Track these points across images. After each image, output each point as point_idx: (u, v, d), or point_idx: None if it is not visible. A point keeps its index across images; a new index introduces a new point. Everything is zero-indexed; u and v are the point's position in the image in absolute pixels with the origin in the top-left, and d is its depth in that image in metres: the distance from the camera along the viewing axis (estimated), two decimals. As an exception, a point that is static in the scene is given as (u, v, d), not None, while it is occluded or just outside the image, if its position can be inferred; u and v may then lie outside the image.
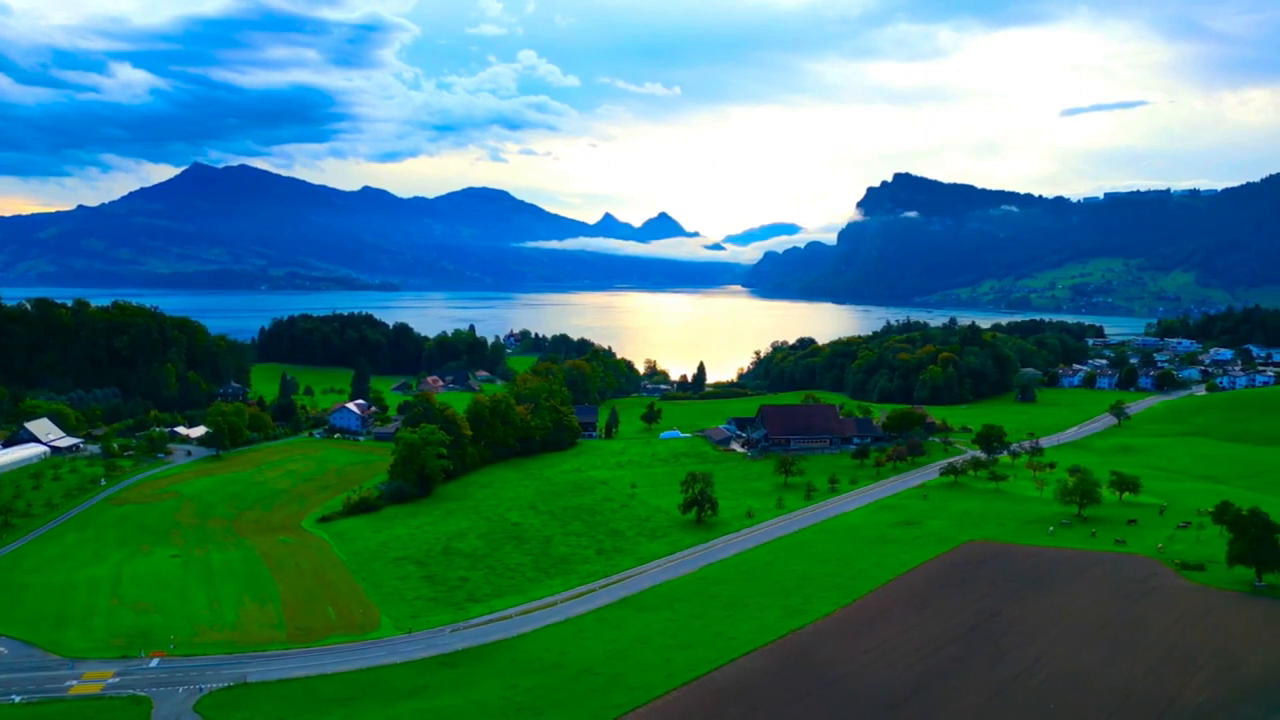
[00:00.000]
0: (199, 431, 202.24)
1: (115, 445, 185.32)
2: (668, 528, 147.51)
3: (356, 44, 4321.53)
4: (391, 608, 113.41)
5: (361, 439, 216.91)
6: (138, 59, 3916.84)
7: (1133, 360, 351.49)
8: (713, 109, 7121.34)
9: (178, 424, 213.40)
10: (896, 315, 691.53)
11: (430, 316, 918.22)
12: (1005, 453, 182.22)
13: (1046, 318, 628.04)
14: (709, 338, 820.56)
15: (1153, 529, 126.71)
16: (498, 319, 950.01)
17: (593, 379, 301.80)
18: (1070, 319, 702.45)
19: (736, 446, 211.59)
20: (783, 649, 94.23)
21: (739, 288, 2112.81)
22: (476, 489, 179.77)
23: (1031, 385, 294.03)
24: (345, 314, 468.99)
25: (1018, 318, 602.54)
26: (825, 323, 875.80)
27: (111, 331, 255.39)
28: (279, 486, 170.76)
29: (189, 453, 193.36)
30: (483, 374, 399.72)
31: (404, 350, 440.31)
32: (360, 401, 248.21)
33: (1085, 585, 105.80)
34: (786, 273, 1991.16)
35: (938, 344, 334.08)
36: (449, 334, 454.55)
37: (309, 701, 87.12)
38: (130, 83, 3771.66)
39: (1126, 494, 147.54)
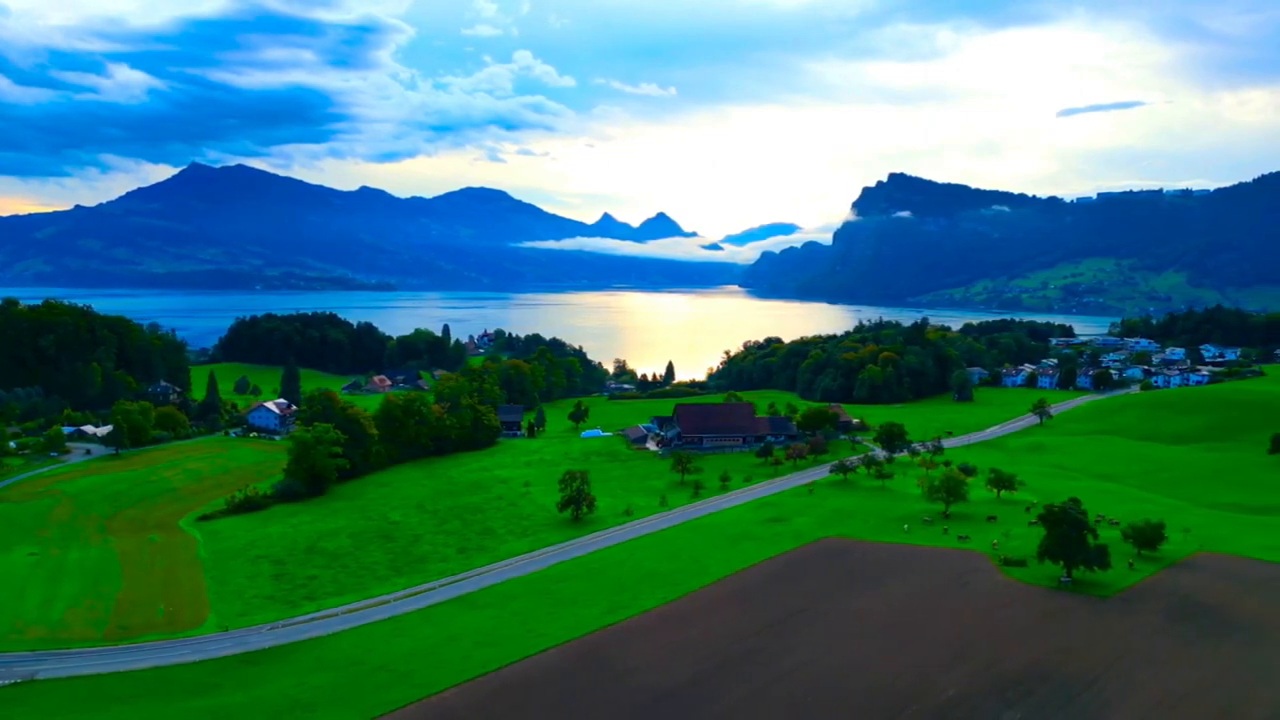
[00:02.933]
0: (105, 430, 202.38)
1: (10, 444, 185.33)
2: (542, 526, 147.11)
3: (352, 45, 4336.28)
4: (225, 606, 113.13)
5: (278, 438, 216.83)
6: (135, 60, 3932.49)
7: (1083, 360, 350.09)
8: (711, 109, 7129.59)
9: (88, 422, 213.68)
10: (887, 315, 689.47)
11: (422, 315, 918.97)
12: (906, 451, 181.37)
13: (1035, 318, 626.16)
14: (694, 338, 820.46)
15: (1006, 525, 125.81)
16: (488, 319, 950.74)
17: (532, 378, 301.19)
18: (1059, 319, 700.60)
19: (651, 445, 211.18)
20: (584, 645, 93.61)
21: (736, 288, 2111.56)
22: (374, 488, 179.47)
23: (968, 385, 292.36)
24: (309, 313, 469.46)
25: (1002, 318, 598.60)
26: (812, 323, 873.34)
27: (37, 330, 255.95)
28: (170, 485, 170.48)
29: (88, 451, 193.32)
30: (440, 374, 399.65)
31: (367, 349, 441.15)
32: (281, 401, 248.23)
33: (907, 580, 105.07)
34: (783, 273, 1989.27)
35: (885, 344, 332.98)
36: (410, 334, 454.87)
37: (92, 699, 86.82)
38: (128, 83, 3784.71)
39: (1004, 491, 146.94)
